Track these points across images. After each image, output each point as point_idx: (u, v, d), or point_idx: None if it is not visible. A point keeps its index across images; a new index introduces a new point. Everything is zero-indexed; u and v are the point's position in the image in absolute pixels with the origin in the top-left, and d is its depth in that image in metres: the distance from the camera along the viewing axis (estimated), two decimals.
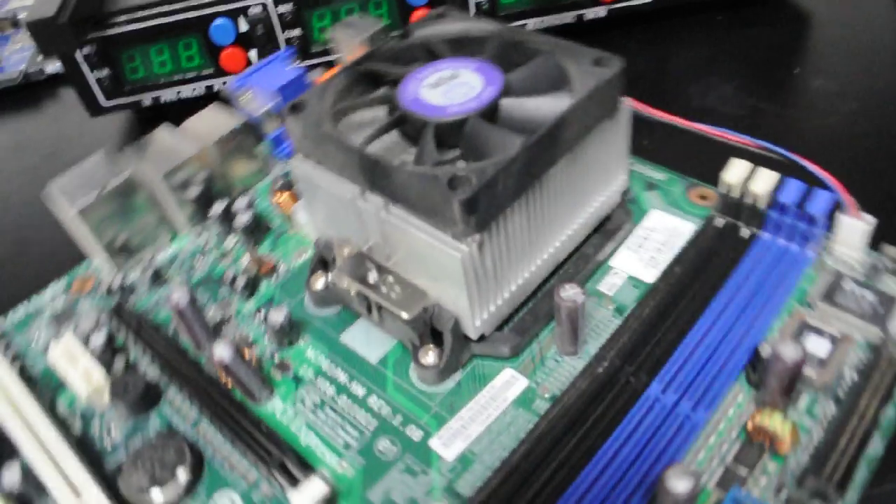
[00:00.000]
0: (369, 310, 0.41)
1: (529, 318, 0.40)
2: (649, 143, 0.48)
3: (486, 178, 0.33)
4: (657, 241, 0.45)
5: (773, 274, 0.40)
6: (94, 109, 0.65)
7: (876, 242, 0.41)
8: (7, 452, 0.38)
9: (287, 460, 0.36)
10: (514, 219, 0.37)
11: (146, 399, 0.41)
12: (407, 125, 0.38)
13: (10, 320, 0.48)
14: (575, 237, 0.42)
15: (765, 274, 0.40)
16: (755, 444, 0.34)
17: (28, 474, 0.37)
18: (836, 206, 0.40)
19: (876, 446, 0.33)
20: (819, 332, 0.37)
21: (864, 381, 0.34)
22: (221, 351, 0.38)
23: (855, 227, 0.40)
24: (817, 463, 0.32)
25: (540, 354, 0.40)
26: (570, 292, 0.37)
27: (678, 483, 0.28)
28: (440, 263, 0.36)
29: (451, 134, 0.37)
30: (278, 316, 0.42)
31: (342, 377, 0.41)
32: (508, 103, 0.37)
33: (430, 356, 0.39)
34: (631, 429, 0.34)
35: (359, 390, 0.40)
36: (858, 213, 0.40)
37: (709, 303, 0.39)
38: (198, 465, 0.38)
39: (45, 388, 0.43)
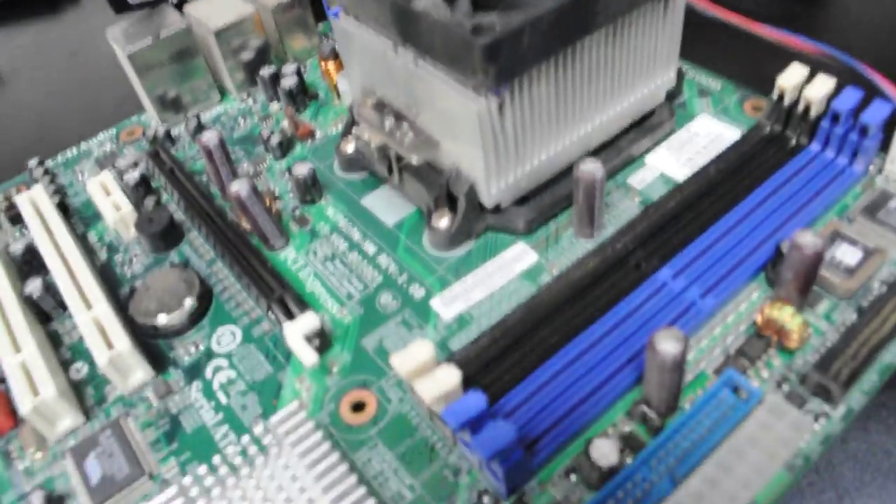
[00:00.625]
0: (390, 170, 0.40)
1: (550, 198, 0.39)
2: (707, 47, 0.46)
3: (510, 28, 0.32)
4: (699, 144, 0.43)
5: (813, 183, 0.37)
6: (119, 5, 0.63)
7: None
8: (36, 269, 0.40)
9: (287, 297, 0.36)
10: (541, 85, 0.35)
11: (168, 236, 0.41)
12: None
13: (59, 159, 0.49)
14: (609, 125, 0.40)
15: (804, 183, 0.38)
16: (763, 338, 0.32)
17: (50, 288, 0.39)
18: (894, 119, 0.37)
19: (892, 356, 0.31)
20: (852, 241, 0.35)
21: (891, 292, 0.32)
22: (239, 186, 0.38)
23: None
24: (825, 362, 0.30)
25: (556, 234, 0.39)
26: (589, 165, 0.36)
27: (666, 344, 0.27)
28: (459, 119, 0.35)
29: None
30: (303, 169, 0.42)
31: (356, 235, 0.41)
32: None
33: (443, 220, 0.39)
34: (633, 307, 0.33)
35: (370, 248, 0.40)
36: None
37: (737, 202, 0.37)
38: (206, 298, 0.38)
39: (80, 219, 0.45)
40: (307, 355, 0.33)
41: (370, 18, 0.37)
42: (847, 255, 0.34)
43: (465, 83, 0.33)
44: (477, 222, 0.38)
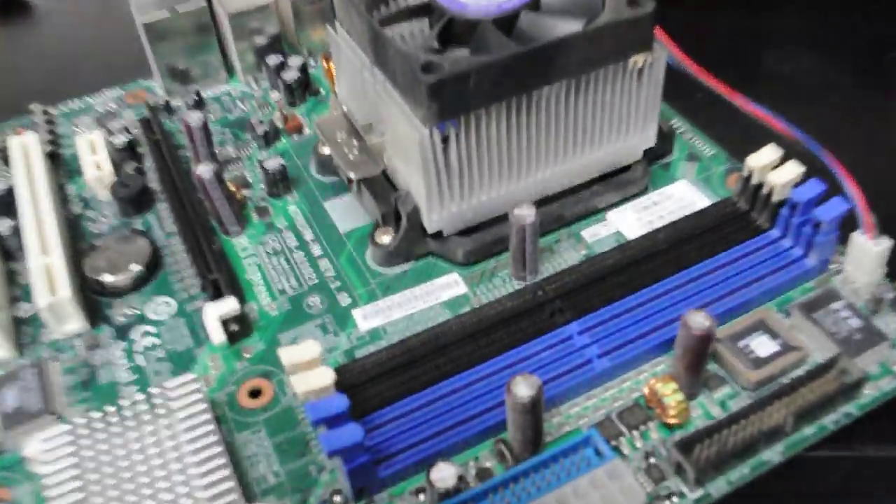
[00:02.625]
0: (350, 180, 0.48)
1: (494, 235, 0.45)
2: (710, 111, 0.52)
3: (458, 69, 0.39)
4: (667, 209, 0.48)
5: (760, 267, 0.42)
6: None
7: None
8: (12, 211, 0.49)
9: (222, 280, 0.44)
10: (491, 126, 0.42)
11: (138, 203, 0.50)
12: (426, 14, 0.45)
13: (61, 109, 0.59)
14: (570, 175, 0.46)
15: (752, 265, 0.42)
16: (647, 409, 0.38)
17: (17, 231, 0.48)
18: (851, 220, 0.41)
19: (772, 455, 0.36)
20: (773, 334, 0.40)
21: (785, 389, 0.37)
22: (203, 170, 0.47)
23: (866, 248, 0.42)
24: (689, 441, 0.36)
25: (493, 271, 0.45)
26: (522, 211, 0.42)
27: (521, 389, 0.34)
28: (408, 144, 0.42)
29: (464, 31, 0.43)
30: (274, 164, 0.50)
31: (308, 235, 0.48)
32: (527, 17, 0.43)
33: (386, 237, 0.46)
34: (531, 352, 0.39)
35: (316, 250, 0.47)
36: (873, 232, 0.42)
37: (675, 272, 0.42)
38: (154, 267, 0.47)
39: (65, 171, 0.54)
40: (216, 334, 0.41)
41: (354, 35, 0.45)
42: (762, 346, 0.40)
43: (416, 112, 0.41)
44: (418, 245, 0.45)
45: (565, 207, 0.47)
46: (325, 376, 0.34)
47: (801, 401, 0.36)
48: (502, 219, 0.44)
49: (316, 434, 0.36)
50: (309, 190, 0.50)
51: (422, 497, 0.35)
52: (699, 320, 0.35)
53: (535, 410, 0.34)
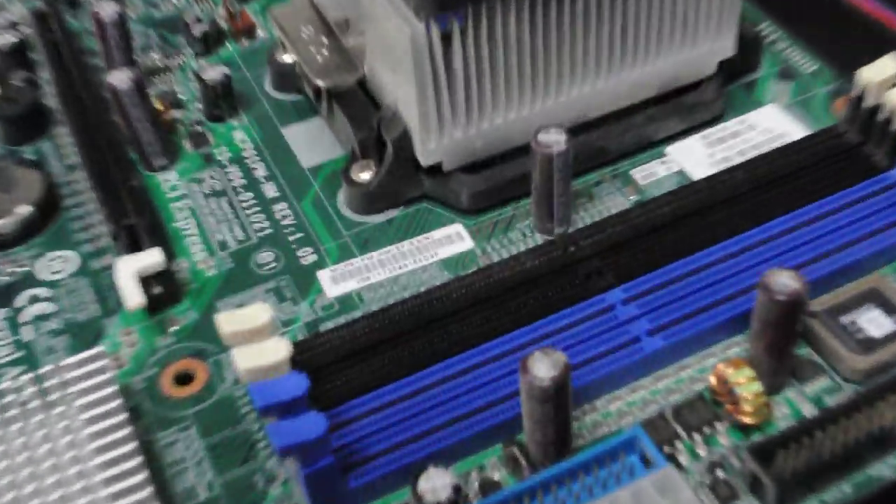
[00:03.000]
0: (318, 95, 0.48)
1: (513, 172, 0.45)
2: (818, 16, 0.51)
3: None
4: (749, 142, 0.48)
5: (874, 220, 0.42)
6: None
7: None
8: None
9: (141, 227, 0.44)
10: (511, 21, 0.41)
11: (28, 125, 0.50)
12: None
13: None
14: (619, 92, 0.46)
15: (862, 216, 0.42)
16: (715, 405, 0.38)
17: None
18: None
19: (884, 469, 0.36)
20: (890, 308, 0.40)
21: None
22: (119, 78, 0.46)
23: None
24: (768, 448, 0.35)
25: (509, 222, 0.45)
26: (549, 136, 0.42)
27: (541, 367, 0.34)
28: (396, 45, 0.41)
29: None
30: (215, 74, 0.50)
31: (260, 171, 0.48)
32: None
33: (365, 172, 0.45)
34: (559, 326, 0.39)
35: (270, 191, 0.47)
36: None
37: (755, 225, 0.42)
38: (49, 211, 0.47)
39: None
40: (132, 299, 0.41)
41: None
42: (874, 323, 0.39)
43: (408, 1, 0.40)
44: (408, 183, 0.45)
45: (610, 137, 0.47)
46: (277, 349, 0.34)
47: None
48: (523, 150, 0.44)
49: (264, 428, 0.36)
50: (262, 111, 0.50)
51: None
52: (784, 281, 0.35)
53: (559, 398, 0.33)
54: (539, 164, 0.41)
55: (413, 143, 0.43)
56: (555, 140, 0.41)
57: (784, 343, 0.37)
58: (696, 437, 0.37)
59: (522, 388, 0.34)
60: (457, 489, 0.33)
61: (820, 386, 0.39)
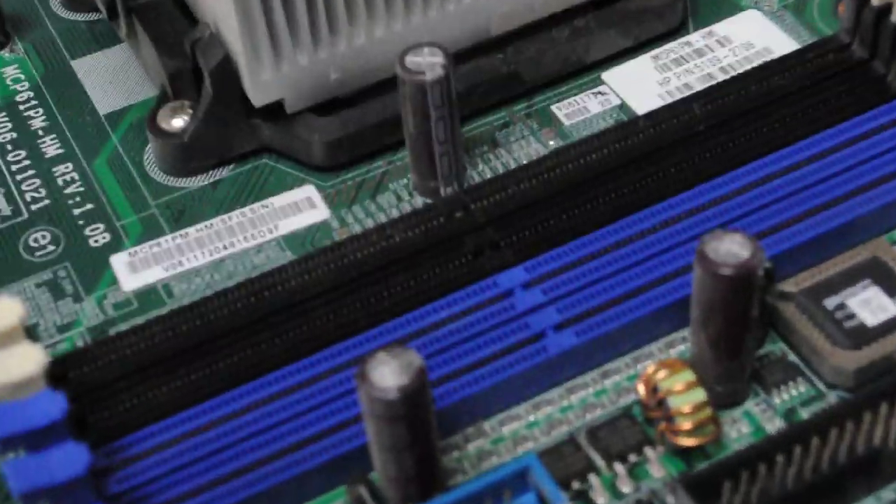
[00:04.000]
0: (113, 11, 0.48)
1: (386, 114, 0.46)
2: None
3: None
4: (719, 62, 0.48)
5: (878, 168, 0.43)
6: None
7: None
8: None
9: None
10: None
11: None
12: None
13: None
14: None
15: (861, 163, 0.43)
16: (640, 425, 0.38)
17: None
18: None
19: None
20: (893, 285, 0.41)
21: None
22: None
23: None
24: (715, 476, 0.36)
25: (378, 181, 0.46)
26: (424, 58, 0.42)
27: (385, 372, 0.34)
28: None
29: None
30: None
31: (38, 121, 0.49)
32: None
33: (178, 118, 0.46)
34: (438, 318, 0.40)
35: (52, 148, 0.48)
36: None
37: (710, 178, 0.43)
38: None
39: None
40: None
41: None
42: (870, 306, 0.40)
43: None
44: (239, 132, 0.45)
45: (522, 61, 0.47)
46: (28, 359, 0.34)
47: None
48: (395, 83, 0.44)
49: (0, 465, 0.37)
50: (47, 38, 0.51)
51: None
52: (729, 248, 0.36)
53: (414, 415, 0.34)
54: (409, 99, 0.42)
55: (240, 73, 0.44)
56: (429, 63, 0.41)
57: (734, 335, 0.37)
58: (619, 468, 0.38)
59: (362, 402, 0.34)
60: None
61: (794, 395, 0.39)
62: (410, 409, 0.34)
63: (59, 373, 0.38)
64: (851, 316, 0.40)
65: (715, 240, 0.36)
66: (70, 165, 0.47)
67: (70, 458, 0.33)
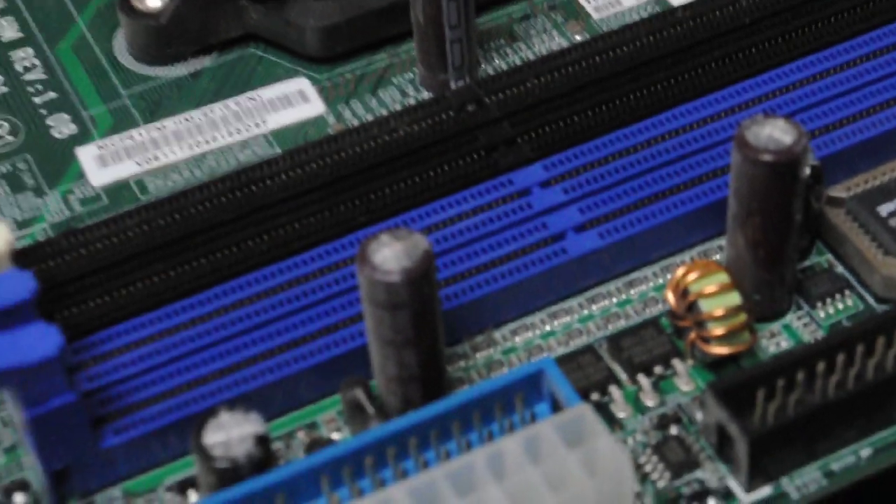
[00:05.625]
0: None
1: (390, 1, 0.49)
2: None
3: None
4: None
5: None
6: None
7: None
8: None
9: None
10: None
11: None
12: None
13: None
14: None
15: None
16: (668, 335, 0.42)
17: None
18: None
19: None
20: None
21: None
22: None
23: None
24: (748, 384, 0.39)
25: (381, 75, 0.50)
26: None
27: (386, 254, 0.38)
28: None
29: None
30: None
31: None
32: None
33: None
34: (449, 214, 0.43)
35: (10, 30, 0.51)
36: None
37: (757, 72, 0.47)
38: None
39: None
40: None
41: None
42: None
43: None
44: (223, 14, 0.49)
45: None
46: None
47: None
48: None
49: None
50: None
51: (192, 497, 0.39)
52: (771, 133, 0.39)
53: (418, 303, 0.37)
54: None
55: None
56: None
57: (775, 235, 0.41)
58: (643, 380, 0.41)
59: (362, 288, 0.37)
60: (261, 440, 0.37)
61: (840, 308, 0.43)
62: (414, 295, 0.37)
63: (22, 265, 0.39)
64: None
65: (756, 124, 0.39)
66: (30, 51, 0.50)
67: (41, 339, 0.36)
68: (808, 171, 0.40)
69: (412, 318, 0.37)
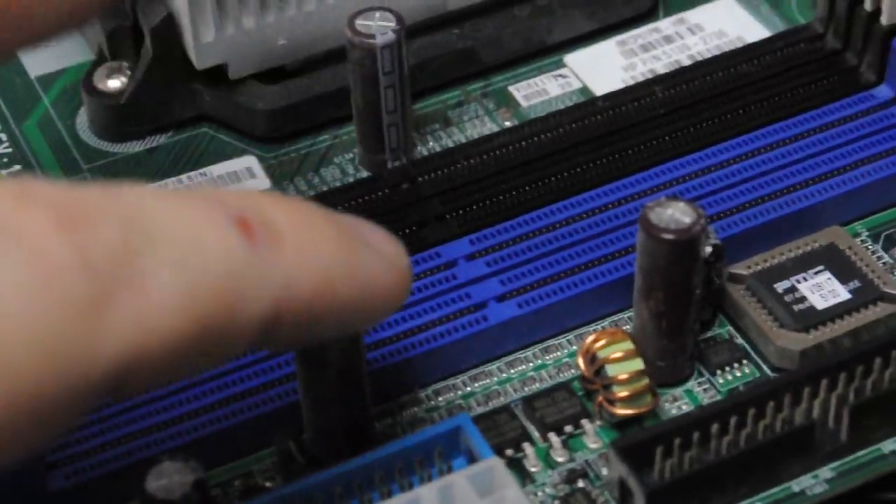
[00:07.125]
0: None
1: (334, 85, 0.52)
2: None
3: None
4: (687, 49, 0.55)
5: (845, 155, 0.50)
6: None
7: None
8: None
9: None
10: None
11: None
12: None
13: None
14: None
15: (826, 151, 0.50)
16: (579, 398, 0.45)
17: None
18: None
19: (808, 482, 0.43)
20: (846, 271, 0.47)
21: (854, 360, 0.43)
22: None
23: None
24: (647, 442, 0.41)
25: (323, 154, 0.52)
26: (376, 21, 0.48)
27: None
28: None
29: None
30: None
31: None
32: None
33: (115, 78, 0.52)
34: None
35: None
36: None
37: (666, 160, 0.50)
38: None
39: None
40: None
41: None
42: (821, 291, 0.46)
43: None
44: (178, 96, 0.52)
45: (480, 38, 0.54)
46: None
47: (877, 387, 0.43)
48: (344, 52, 0.50)
49: None
50: None
51: None
52: (673, 214, 0.42)
53: (344, 363, 0.40)
54: (358, 64, 0.48)
55: (182, 34, 0.50)
56: (380, 27, 0.48)
57: (676, 307, 0.43)
58: (554, 438, 0.44)
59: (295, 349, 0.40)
60: (199, 484, 0.39)
61: (738, 375, 0.46)
62: (342, 356, 0.40)
63: None
64: (801, 299, 0.46)
65: (659, 206, 0.42)
66: None
67: None
68: (709, 249, 0.43)
69: (339, 377, 0.40)
